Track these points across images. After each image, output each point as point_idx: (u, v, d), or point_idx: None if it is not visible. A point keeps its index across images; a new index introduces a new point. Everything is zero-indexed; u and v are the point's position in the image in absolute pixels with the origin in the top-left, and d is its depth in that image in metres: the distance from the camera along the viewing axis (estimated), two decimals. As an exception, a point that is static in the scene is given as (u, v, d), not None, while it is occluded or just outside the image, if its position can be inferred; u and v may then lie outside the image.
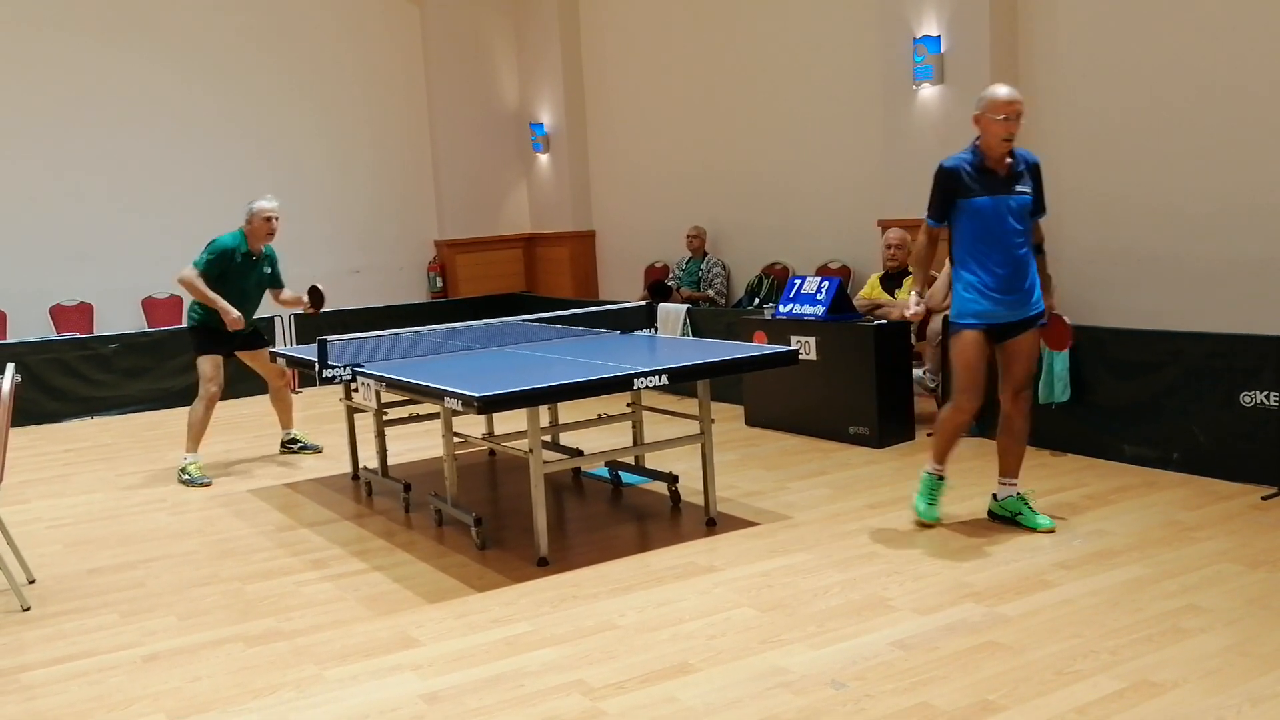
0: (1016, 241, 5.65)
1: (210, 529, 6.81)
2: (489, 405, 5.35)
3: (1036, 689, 3.98)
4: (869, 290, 8.84)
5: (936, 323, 8.20)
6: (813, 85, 10.98)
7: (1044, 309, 5.82)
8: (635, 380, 5.68)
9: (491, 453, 8.21)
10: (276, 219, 8.18)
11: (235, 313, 7.98)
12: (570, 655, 4.54)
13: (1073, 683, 4.01)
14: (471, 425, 7.83)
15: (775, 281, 11.12)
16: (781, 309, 8.60)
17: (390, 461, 7.55)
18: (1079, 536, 5.66)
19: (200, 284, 8.00)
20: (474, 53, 14.86)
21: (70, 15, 12.61)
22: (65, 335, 11.79)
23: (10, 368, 5.51)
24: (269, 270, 8.36)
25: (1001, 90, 5.66)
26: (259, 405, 9.43)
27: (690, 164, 12.69)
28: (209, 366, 8.15)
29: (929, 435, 8.01)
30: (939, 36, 9.29)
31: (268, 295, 8.49)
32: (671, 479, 6.74)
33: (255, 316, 8.40)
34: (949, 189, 5.74)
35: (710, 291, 11.75)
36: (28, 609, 5.45)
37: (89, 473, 8.59)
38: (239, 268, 8.13)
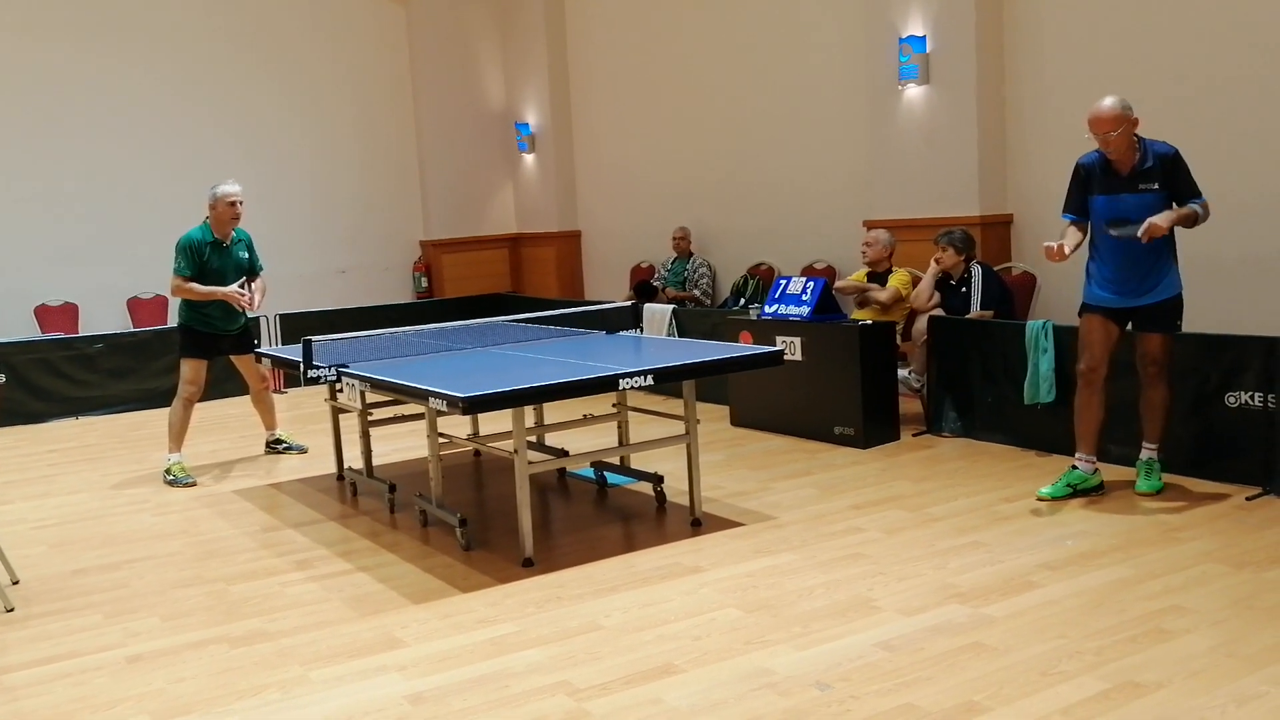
0: None
1: (194, 529, 6.79)
2: (474, 406, 5.35)
3: (1021, 690, 3.98)
4: (857, 278, 8.87)
5: (922, 323, 8.21)
6: (798, 85, 10.99)
7: None
8: (620, 380, 5.67)
9: (477, 453, 8.19)
10: (240, 202, 8.09)
11: (233, 291, 7.96)
12: (555, 656, 4.53)
13: (1057, 683, 4.02)
14: (457, 426, 7.82)
15: (761, 282, 11.12)
16: (767, 309, 8.60)
17: (375, 462, 7.53)
18: (1070, 537, 5.67)
19: (192, 285, 7.98)
20: (460, 53, 14.85)
21: (53, 17, 12.56)
22: (50, 335, 11.75)
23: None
24: (245, 255, 8.30)
25: None
26: (244, 405, 9.40)
27: (676, 164, 12.69)
28: (189, 369, 8.12)
29: (915, 433, 8.05)
30: (924, 36, 9.31)
31: None
32: (657, 479, 6.74)
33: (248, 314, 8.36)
34: None
35: (696, 292, 11.75)
36: (11, 610, 5.42)
37: (73, 473, 8.55)
38: (213, 257, 8.08)
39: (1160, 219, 5.89)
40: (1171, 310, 6.23)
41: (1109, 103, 6.01)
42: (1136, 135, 6.07)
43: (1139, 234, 5.89)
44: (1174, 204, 6.03)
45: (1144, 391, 6.34)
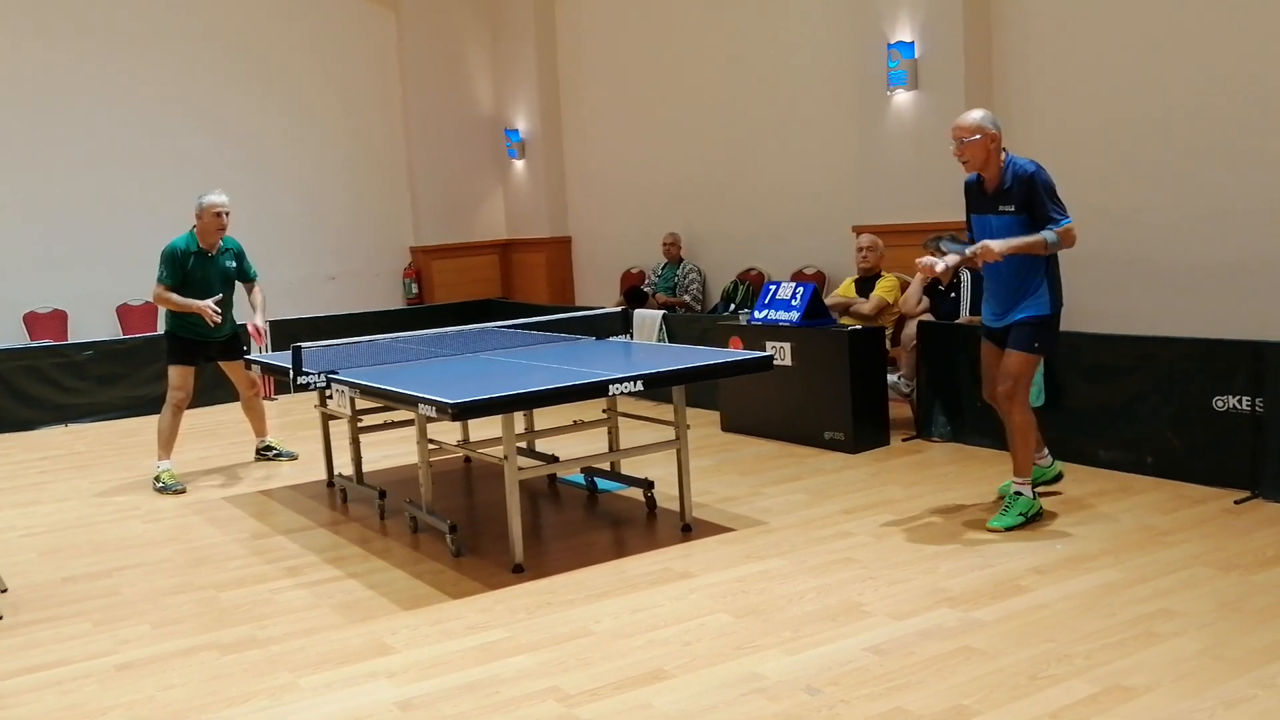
0: None
1: (184, 536, 6.78)
2: (463, 412, 5.34)
3: (1010, 694, 3.99)
4: (843, 291, 8.88)
5: (911, 328, 8.23)
6: (787, 91, 11.01)
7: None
8: (610, 386, 5.67)
9: (467, 459, 8.19)
10: (226, 213, 8.05)
11: (209, 306, 7.91)
12: (545, 662, 4.53)
13: (1046, 687, 4.03)
14: (447, 432, 7.81)
15: (751, 287, 11.14)
16: (757, 314, 8.61)
17: (365, 468, 7.52)
18: (1060, 542, 5.68)
19: (170, 295, 7.96)
20: (449, 59, 14.86)
21: (40, 22, 12.54)
22: (39, 342, 11.72)
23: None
24: (233, 264, 8.27)
25: None
26: (234, 412, 9.38)
27: (666, 170, 12.70)
28: (176, 376, 8.11)
29: (905, 438, 8.06)
30: (913, 42, 9.33)
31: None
32: (647, 485, 6.74)
33: (236, 322, 8.34)
34: None
35: (686, 297, 11.76)
36: (0, 618, 5.41)
37: (63, 481, 8.54)
38: (197, 266, 8.05)
39: (995, 244, 5.66)
40: (1030, 326, 5.87)
41: (972, 113, 5.88)
42: (1006, 154, 5.85)
43: (967, 253, 5.78)
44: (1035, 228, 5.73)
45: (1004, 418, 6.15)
